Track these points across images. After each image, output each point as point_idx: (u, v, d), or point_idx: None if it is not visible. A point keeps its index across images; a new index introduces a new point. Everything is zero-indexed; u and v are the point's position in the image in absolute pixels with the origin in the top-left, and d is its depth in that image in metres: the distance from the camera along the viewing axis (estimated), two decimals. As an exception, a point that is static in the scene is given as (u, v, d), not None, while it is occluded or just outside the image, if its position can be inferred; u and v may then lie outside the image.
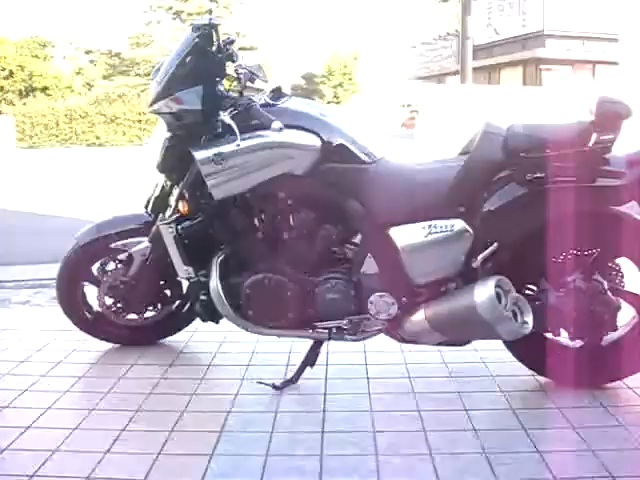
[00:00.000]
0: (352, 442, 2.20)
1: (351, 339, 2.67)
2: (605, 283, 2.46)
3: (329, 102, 43.55)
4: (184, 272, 2.83)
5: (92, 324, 3.17)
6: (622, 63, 11.98)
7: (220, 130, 2.63)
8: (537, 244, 2.42)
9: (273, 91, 2.77)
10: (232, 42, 2.82)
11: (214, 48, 2.72)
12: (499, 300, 2.32)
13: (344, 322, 2.63)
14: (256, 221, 2.73)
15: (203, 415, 2.45)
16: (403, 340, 2.62)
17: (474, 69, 20.51)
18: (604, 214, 2.43)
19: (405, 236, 2.51)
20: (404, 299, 2.54)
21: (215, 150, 2.59)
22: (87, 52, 30.35)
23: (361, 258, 2.61)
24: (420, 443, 2.17)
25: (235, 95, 2.71)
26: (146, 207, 2.99)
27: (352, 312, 2.61)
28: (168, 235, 2.82)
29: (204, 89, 2.67)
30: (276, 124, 2.50)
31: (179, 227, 2.81)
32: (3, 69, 24.48)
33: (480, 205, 2.40)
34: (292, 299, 2.64)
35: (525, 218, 2.40)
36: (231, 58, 2.76)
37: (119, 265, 3.06)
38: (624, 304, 2.49)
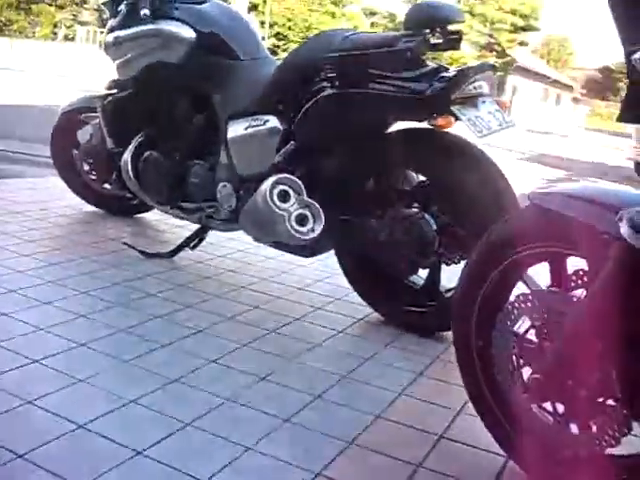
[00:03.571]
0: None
1: (216, 227, 2.82)
2: (430, 219, 2.24)
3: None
4: (108, 143, 3.17)
5: (83, 190, 3.61)
6: None
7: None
8: (335, 151, 2.35)
9: None
10: None
11: None
12: (284, 199, 2.30)
13: (199, 206, 2.78)
14: (152, 105, 2.96)
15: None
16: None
17: None
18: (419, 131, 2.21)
19: (233, 128, 2.59)
20: (241, 192, 2.60)
21: (114, 34, 2.89)
22: (372, 13, 31.86)
23: (218, 148, 2.72)
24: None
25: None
26: None
27: (208, 198, 2.73)
28: (98, 108, 3.17)
29: None
30: (142, 11, 2.71)
31: (104, 101, 3.13)
32: (289, 20, 26.46)
33: (294, 104, 2.35)
34: (165, 177, 2.87)
35: (325, 121, 2.29)
36: None
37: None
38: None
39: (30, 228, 3.09)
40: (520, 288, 1.47)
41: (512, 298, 1.46)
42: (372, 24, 30.41)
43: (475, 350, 1.55)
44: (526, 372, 1.43)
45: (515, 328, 1.45)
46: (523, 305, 1.41)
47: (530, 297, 1.40)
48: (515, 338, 1.45)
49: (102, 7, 3.09)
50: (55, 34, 28.71)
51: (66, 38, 27.09)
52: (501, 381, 1.50)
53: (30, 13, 28.09)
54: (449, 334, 2.04)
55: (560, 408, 1.39)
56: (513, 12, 26.49)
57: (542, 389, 1.37)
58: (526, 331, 1.43)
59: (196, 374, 1.84)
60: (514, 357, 1.46)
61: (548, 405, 1.42)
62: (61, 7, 29.42)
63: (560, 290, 1.38)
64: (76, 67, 18.14)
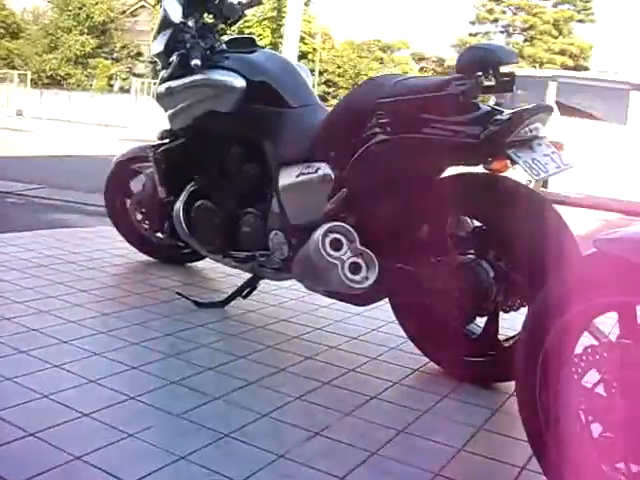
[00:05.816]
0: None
1: (268, 276, 2.79)
2: (486, 266, 2.14)
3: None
4: (160, 192, 3.19)
5: (136, 239, 3.63)
6: None
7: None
8: (388, 198, 2.30)
9: (238, 40, 2.98)
10: None
11: None
12: (337, 248, 2.25)
13: (251, 254, 2.76)
14: (204, 154, 2.98)
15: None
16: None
17: None
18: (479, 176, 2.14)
19: (285, 176, 2.57)
20: (293, 240, 2.57)
21: (166, 85, 2.94)
22: (421, 59, 32.18)
23: (269, 196, 2.71)
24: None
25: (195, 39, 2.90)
26: None
27: (260, 247, 2.71)
28: (151, 158, 3.21)
29: (173, 33, 2.97)
30: (193, 62, 2.74)
31: (156, 151, 3.17)
32: (338, 67, 26.90)
33: (346, 150, 2.30)
34: (217, 226, 2.87)
35: (377, 167, 2.23)
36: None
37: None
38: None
39: (83, 278, 3.11)
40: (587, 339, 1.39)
41: (578, 350, 1.38)
42: (421, 69, 30.71)
43: (539, 404, 1.46)
44: (596, 429, 1.34)
45: (583, 382, 1.37)
46: (591, 357, 1.33)
47: (599, 349, 1.32)
48: (583, 392, 1.36)
49: (155, 59, 3.14)
50: (111, 86, 29.78)
51: (122, 90, 28.05)
52: (568, 438, 1.41)
53: (87, 67, 29.23)
54: (509, 385, 1.95)
55: (634, 468, 1.29)
56: (562, 52, 26.38)
57: (614, 448, 1.28)
58: (595, 385, 1.35)
59: (248, 429, 1.79)
60: (582, 413, 1.37)
61: (620, 465, 1.32)
62: (117, 60, 30.63)
63: (631, 341, 1.29)
64: (133, 118, 18.59)
